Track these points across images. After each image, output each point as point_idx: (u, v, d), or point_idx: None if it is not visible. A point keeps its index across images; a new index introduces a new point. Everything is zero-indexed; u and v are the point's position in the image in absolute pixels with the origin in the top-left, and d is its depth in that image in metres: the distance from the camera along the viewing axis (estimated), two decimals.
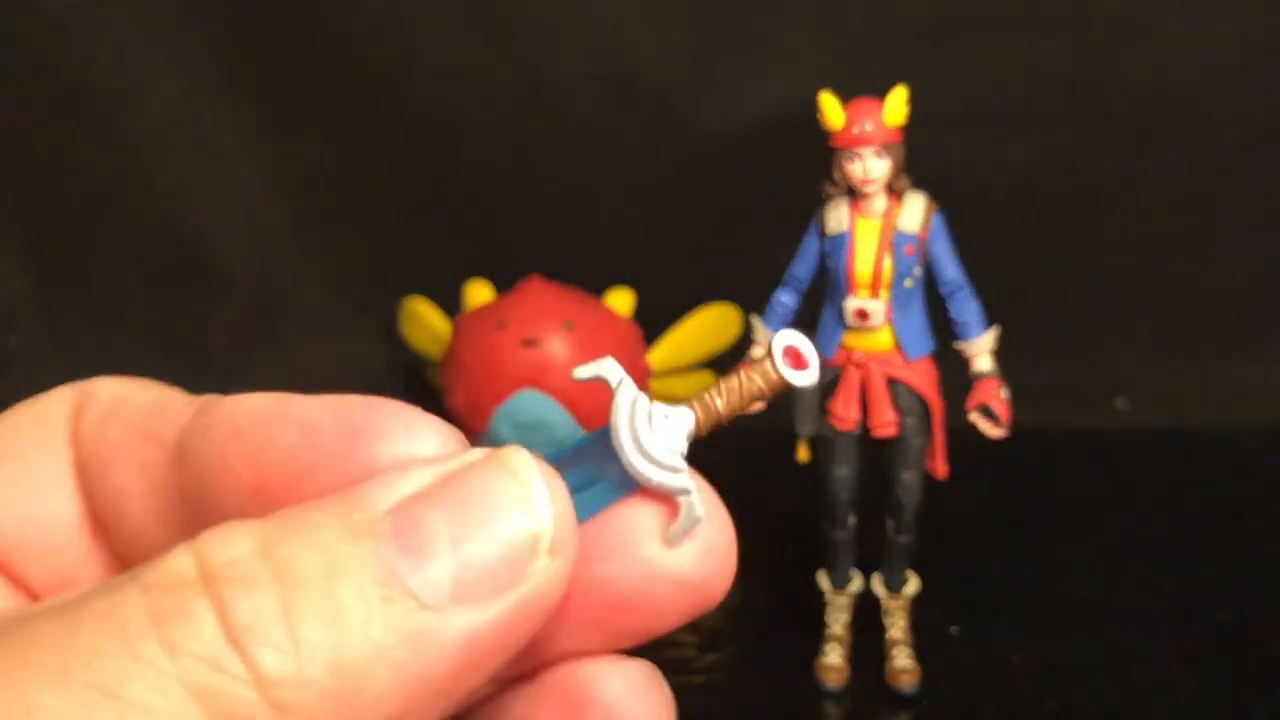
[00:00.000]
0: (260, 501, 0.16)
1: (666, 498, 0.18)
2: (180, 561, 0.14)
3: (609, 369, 0.18)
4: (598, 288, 0.77)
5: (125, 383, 0.19)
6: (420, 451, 0.16)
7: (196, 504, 0.17)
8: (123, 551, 0.18)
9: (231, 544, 0.14)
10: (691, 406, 0.19)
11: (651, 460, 0.17)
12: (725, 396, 0.19)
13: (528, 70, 0.82)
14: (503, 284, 0.76)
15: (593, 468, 0.17)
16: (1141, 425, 0.85)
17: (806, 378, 0.19)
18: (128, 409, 0.18)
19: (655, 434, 0.18)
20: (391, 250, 0.89)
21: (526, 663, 0.17)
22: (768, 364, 0.19)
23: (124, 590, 0.14)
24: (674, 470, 0.18)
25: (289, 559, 0.14)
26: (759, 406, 0.20)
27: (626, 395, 0.18)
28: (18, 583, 0.18)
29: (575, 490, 0.16)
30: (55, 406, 0.18)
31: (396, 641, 0.14)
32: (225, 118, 0.86)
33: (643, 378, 0.77)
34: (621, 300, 0.77)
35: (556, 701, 0.17)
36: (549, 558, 0.15)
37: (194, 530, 0.15)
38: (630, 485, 0.17)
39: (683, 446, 0.18)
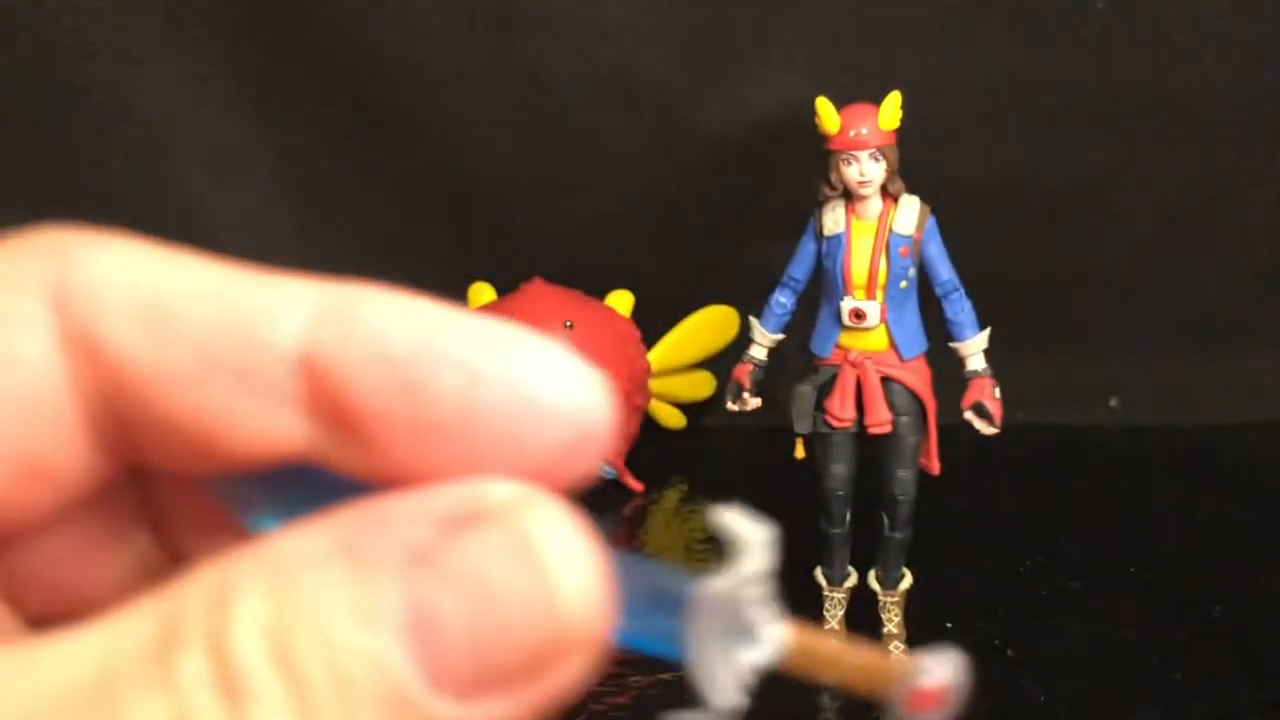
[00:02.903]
0: (420, 445, 0.14)
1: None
2: (194, 663, 0.13)
3: (752, 535, 0.14)
4: (598, 288, 0.78)
5: (118, 252, 0.16)
6: (579, 401, 0.14)
7: (331, 418, 0.15)
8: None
9: (246, 641, 0.13)
10: (794, 641, 0.15)
11: (712, 664, 0.14)
12: (837, 661, 0.15)
13: (529, 73, 0.83)
14: (504, 286, 0.77)
15: (648, 600, 0.14)
16: (1135, 423, 0.86)
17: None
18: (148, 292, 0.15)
19: (737, 641, 0.14)
20: (394, 253, 0.89)
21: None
22: (899, 687, 0.15)
23: (149, 686, 0.13)
24: (727, 694, 0.14)
25: (301, 667, 0.13)
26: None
27: (739, 576, 0.14)
28: None
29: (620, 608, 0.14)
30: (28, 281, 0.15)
31: None
32: (228, 120, 0.87)
33: (643, 377, 0.78)
34: (621, 300, 0.78)
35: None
36: (576, 655, 0.13)
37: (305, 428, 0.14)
38: (678, 654, 0.14)
39: (752, 676, 0.15)
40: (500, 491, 0.14)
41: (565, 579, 0.13)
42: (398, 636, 0.13)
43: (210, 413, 0.15)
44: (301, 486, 0.15)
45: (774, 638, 0.14)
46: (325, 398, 0.14)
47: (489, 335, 0.15)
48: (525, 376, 0.14)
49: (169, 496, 0.17)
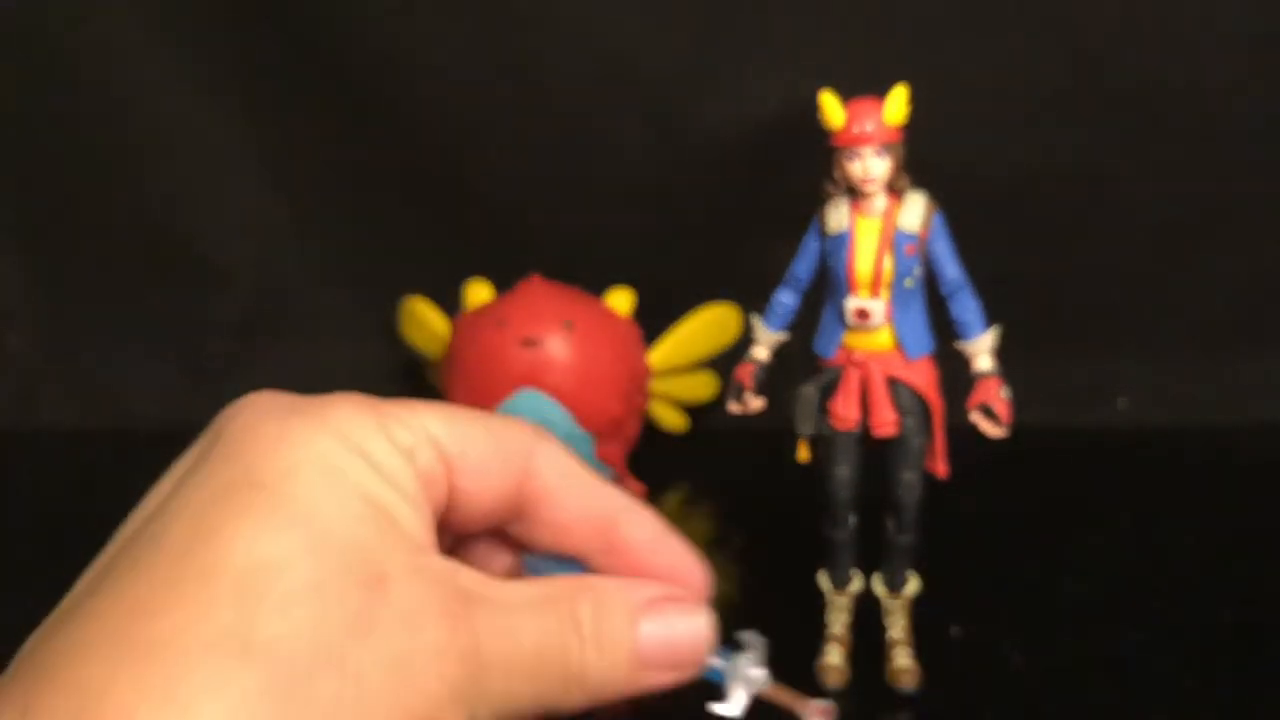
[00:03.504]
0: (587, 544, 0.29)
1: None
2: (583, 611, 0.26)
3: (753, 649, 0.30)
4: (598, 288, 0.77)
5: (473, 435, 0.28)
6: (692, 571, 0.30)
7: (535, 515, 0.29)
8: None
9: (589, 612, 0.26)
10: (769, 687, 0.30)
11: (738, 686, 0.29)
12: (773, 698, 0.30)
13: (528, 70, 0.82)
14: (503, 284, 0.76)
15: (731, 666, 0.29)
16: (1142, 424, 0.85)
17: None
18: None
19: (751, 676, 0.30)
20: (391, 250, 0.89)
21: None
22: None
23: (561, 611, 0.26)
24: (741, 703, 0.29)
25: (601, 634, 0.26)
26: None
27: (756, 650, 0.30)
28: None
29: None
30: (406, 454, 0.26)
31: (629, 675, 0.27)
32: (225, 118, 0.86)
33: (643, 378, 0.77)
34: (621, 300, 0.77)
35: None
36: (696, 666, 0.28)
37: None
38: (720, 678, 0.29)
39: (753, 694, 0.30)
40: (673, 591, 0.28)
41: (706, 636, 0.28)
42: (632, 645, 0.27)
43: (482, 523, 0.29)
44: (555, 559, 0.29)
45: (761, 679, 0.29)
46: (536, 504, 0.29)
47: (642, 515, 0.29)
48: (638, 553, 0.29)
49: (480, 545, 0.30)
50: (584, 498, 0.29)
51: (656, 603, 0.27)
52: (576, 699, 0.26)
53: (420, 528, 0.25)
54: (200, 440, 0.25)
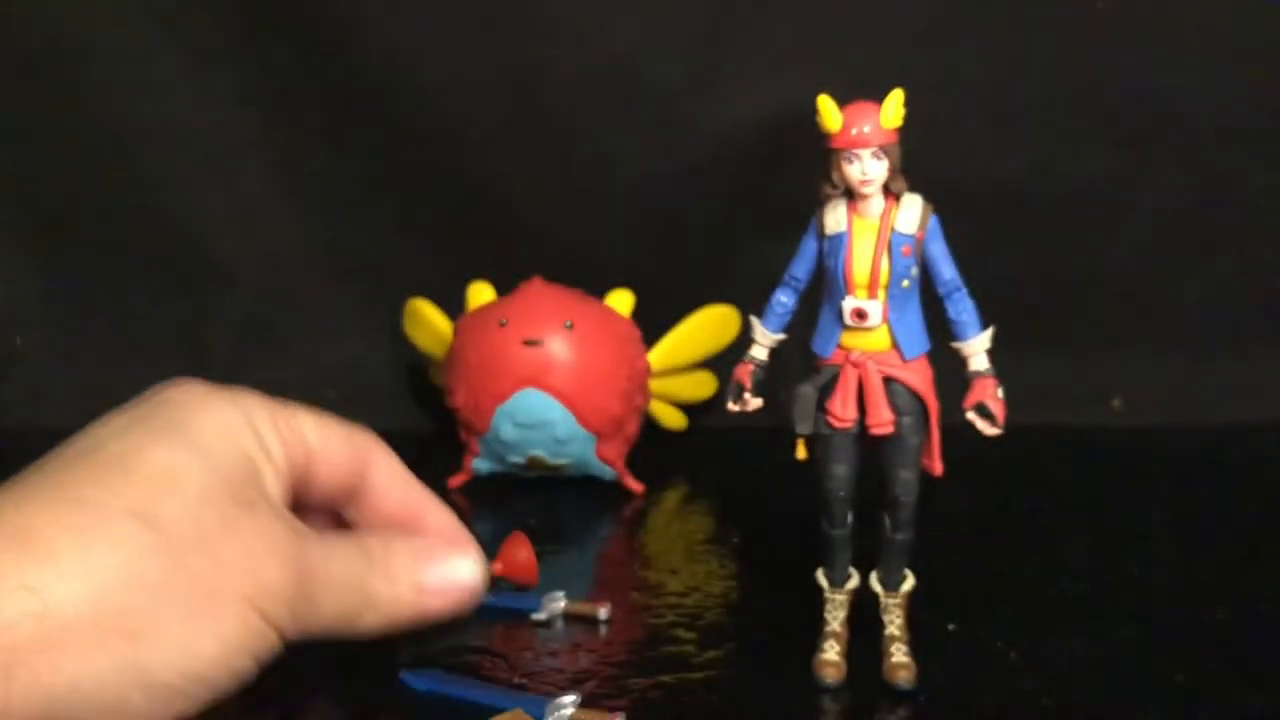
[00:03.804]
0: (399, 521, 0.43)
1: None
2: (373, 546, 0.40)
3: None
4: (598, 288, 0.77)
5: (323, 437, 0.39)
6: (467, 547, 0.43)
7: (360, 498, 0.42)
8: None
9: (380, 555, 0.40)
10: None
11: None
12: None
13: (529, 71, 0.83)
14: (504, 285, 0.77)
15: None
16: (1138, 424, 0.85)
17: None
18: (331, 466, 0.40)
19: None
20: (394, 251, 0.89)
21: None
22: None
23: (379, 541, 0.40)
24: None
25: (390, 571, 0.39)
26: None
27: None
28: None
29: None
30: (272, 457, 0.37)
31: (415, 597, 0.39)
32: (229, 118, 0.87)
33: (643, 377, 0.77)
34: (621, 300, 0.78)
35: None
36: (472, 595, 0.42)
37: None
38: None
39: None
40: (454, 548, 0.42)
41: (475, 570, 0.42)
42: (415, 577, 0.40)
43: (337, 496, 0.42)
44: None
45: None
46: (368, 492, 0.41)
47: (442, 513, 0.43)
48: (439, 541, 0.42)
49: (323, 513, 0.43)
50: (403, 491, 0.40)
51: (436, 545, 0.38)
52: (370, 620, 0.36)
53: (278, 489, 0.35)
54: (139, 400, 0.35)
